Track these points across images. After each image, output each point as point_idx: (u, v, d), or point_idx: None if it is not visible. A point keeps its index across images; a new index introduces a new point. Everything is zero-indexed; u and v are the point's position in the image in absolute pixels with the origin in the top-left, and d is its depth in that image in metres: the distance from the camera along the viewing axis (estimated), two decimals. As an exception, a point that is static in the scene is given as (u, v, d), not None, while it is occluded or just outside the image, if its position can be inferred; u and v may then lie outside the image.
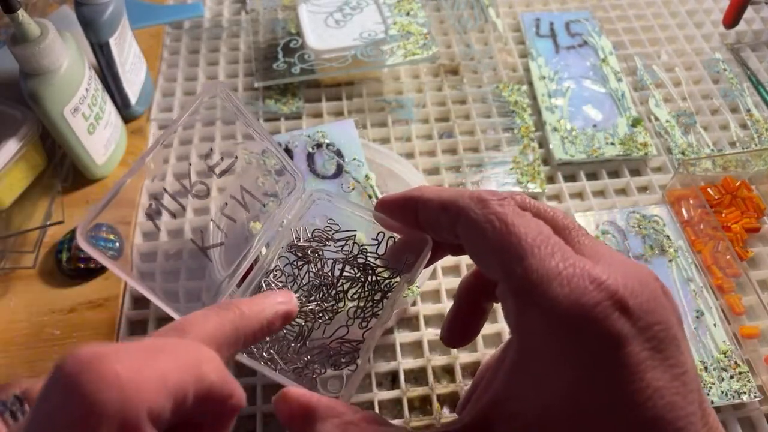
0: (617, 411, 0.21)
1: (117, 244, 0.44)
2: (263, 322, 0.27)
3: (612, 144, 0.52)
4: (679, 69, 0.59)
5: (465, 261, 0.46)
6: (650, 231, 0.47)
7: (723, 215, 0.47)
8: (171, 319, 0.44)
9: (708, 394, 0.39)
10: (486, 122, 0.54)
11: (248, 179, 0.38)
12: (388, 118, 0.54)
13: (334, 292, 0.34)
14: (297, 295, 0.34)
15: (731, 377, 0.40)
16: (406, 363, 0.41)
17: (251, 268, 0.35)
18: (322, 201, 0.36)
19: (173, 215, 0.36)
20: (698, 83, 0.58)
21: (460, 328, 0.33)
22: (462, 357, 0.41)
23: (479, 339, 0.42)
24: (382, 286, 0.34)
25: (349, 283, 0.34)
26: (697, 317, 0.42)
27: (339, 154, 0.47)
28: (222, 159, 0.36)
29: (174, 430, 0.22)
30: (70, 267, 0.44)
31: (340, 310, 0.34)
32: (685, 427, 0.21)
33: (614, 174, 0.52)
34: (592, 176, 0.52)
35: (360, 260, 0.35)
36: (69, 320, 0.43)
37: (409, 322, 0.43)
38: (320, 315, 0.33)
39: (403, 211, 0.31)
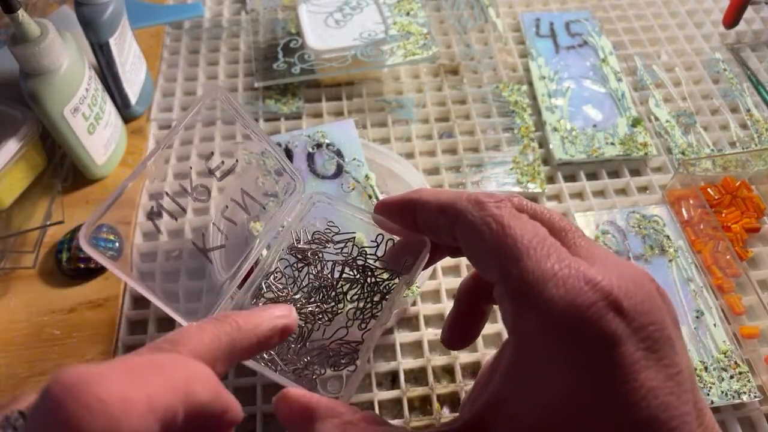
0: (612, 411, 0.21)
1: (117, 245, 0.44)
2: (260, 337, 0.27)
3: (612, 144, 0.52)
4: (679, 69, 0.59)
5: (465, 261, 0.46)
6: (650, 231, 0.47)
7: (723, 215, 0.47)
8: (171, 319, 0.44)
9: (708, 394, 0.39)
10: (486, 122, 0.54)
11: (248, 180, 0.38)
12: (388, 118, 0.54)
13: (333, 293, 0.34)
14: (297, 296, 0.34)
15: (731, 377, 0.40)
16: (406, 363, 0.41)
17: (252, 269, 0.35)
18: (321, 203, 0.37)
19: (174, 217, 0.36)
20: (698, 83, 0.58)
21: (460, 329, 0.33)
22: (462, 357, 0.41)
23: (479, 339, 0.42)
24: (381, 288, 0.34)
25: (348, 285, 0.34)
26: (697, 317, 0.42)
27: (339, 154, 0.47)
28: (223, 162, 0.36)
29: None
30: (70, 267, 0.44)
31: (339, 311, 0.34)
32: (679, 426, 0.21)
33: (614, 174, 0.52)
34: (592, 176, 0.52)
35: (359, 262, 0.35)
36: (69, 320, 0.43)
37: (409, 322, 0.43)
38: (320, 316, 0.34)
39: (402, 214, 0.31)
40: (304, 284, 0.35)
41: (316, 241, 0.36)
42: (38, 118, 0.44)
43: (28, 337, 0.42)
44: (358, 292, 0.34)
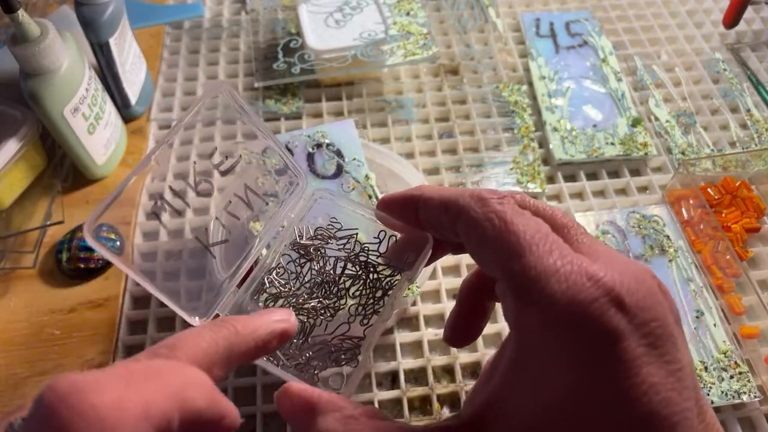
0: (613, 406, 0.21)
1: (118, 243, 0.44)
2: (258, 342, 0.27)
3: (612, 144, 0.52)
4: (679, 69, 0.59)
5: (465, 261, 0.46)
6: (650, 231, 0.47)
7: (723, 215, 0.47)
8: (171, 319, 0.44)
9: (708, 394, 0.39)
10: (486, 122, 0.54)
11: (248, 179, 0.38)
12: (388, 118, 0.54)
13: (336, 289, 0.34)
14: (299, 292, 0.34)
15: (731, 377, 0.40)
16: (406, 363, 0.41)
17: (252, 269, 0.35)
18: (324, 200, 0.37)
19: (177, 212, 0.36)
20: (698, 83, 0.58)
21: (462, 327, 0.33)
22: (462, 357, 0.41)
23: (479, 339, 0.42)
24: (384, 284, 0.34)
25: (350, 281, 0.35)
26: (697, 317, 0.42)
27: (339, 154, 0.47)
28: (226, 158, 0.36)
29: None
30: (70, 267, 0.44)
31: (341, 307, 0.34)
32: (680, 422, 0.21)
33: (614, 174, 0.52)
34: (592, 176, 0.52)
35: (362, 258, 0.35)
36: (69, 320, 0.43)
37: (409, 322, 0.43)
38: (322, 312, 0.34)
39: (404, 210, 0.31)
40: (306, 280, 0.35)
41: (319, 237, 0.36)
42: (38, 118, 0.44)
43: (28, 337, 0.42)
44: (360, 288, 0.34)
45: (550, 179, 0.51)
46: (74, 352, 0.42)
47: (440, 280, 0.45)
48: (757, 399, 0.39)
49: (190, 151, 0.52)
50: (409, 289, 0.41)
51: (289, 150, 0.48)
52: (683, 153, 0.52)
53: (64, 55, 0.42)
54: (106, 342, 0.42)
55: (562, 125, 0.53)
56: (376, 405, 0.40)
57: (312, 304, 0.34)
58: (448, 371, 0.41)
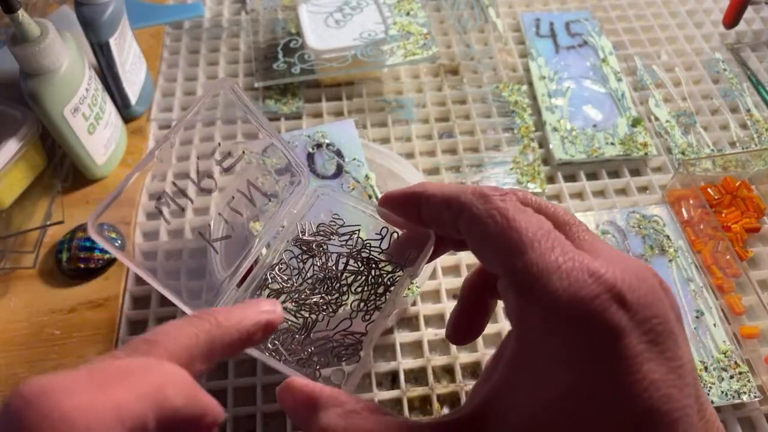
0: (614, 402, 0.21)
1: (119, 242, 0.44)
2: (242, 333, 0.26)
3: (612, 144, 0.52)
4: (679, 69, 0.59)
5: (465, 261, 0.46)
6: (650, 231, 0.47)
7: (723, 215, 0.47)
8: (171, 318, 0.44)
9: (708, 394, 0.39)
10: (486, 122, 0.54)
11: (249, 178, 0.38)
12: (388, 118, 0.54)
13: (338, 285, 0.35)
14: (302, 287, 0.34)
15: (731, 377, 0.40)
16: (406, 363, 0.41)
17: (252, 267, 0.35)
18: (326, 196, 0.37)
19: (180, 208, 0.36)
20: (698, 83, 0.58)
21: (464, 325, 0.33)
22: (462, 357, 0.41)
23: (479, 339, 0.42)
24: (386, 280, 0.34)
25: (352, 277, 0.35)
26: (697, 317, 0.42)
27: (339, 154, 0.47)
28: (229, 154, 0.36)
29: None
30: (70, 267, 0.44)
31: (343, 303, 0.34)
32: (680, 419, 0.21)
33: (614, 174, 0.52)
34: (592, 176, 0.52)
35: (364, 254, 0.35)
36: (69, 320, 0.43)
37: (409, 322, 0.43)
38: (324, 308, 0.34)
39: (407, 207, 0.31)
40: (308, 276, 0.35)
41: (321, 233, 0.36)
42: (38, 118, 0.44)
43: (28, 337, 0.42)
44: (363, 284, 0.35)
45: (550, 179, 0.51)
46: (74, 352, 0.42)
47: (440, 280, 0.45)
48: (757, 399, 0.39)
49: (190, 150, 0.52)
50: (409, 289, 0.41)
51: (289, 150, 0.48)
52: (683, 153, 0.52)
53: (64, 55, 0.42)
54: (106, 342, 0.42)
55: (562, 125, 0.53)
56: (376, 405, 0.40)
57: (314, 299, 0.34)
58: (448, 371, 0.41)
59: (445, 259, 0.46)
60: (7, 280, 0.45)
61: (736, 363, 0.40)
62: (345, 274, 0.35)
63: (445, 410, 0.40)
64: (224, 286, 0.35)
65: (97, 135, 0.47)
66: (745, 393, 0.39)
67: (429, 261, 0.33)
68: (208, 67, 0.59)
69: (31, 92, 0.42)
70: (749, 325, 0.42)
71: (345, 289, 0.34)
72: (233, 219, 0.37)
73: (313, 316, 0.34)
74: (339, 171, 0.47)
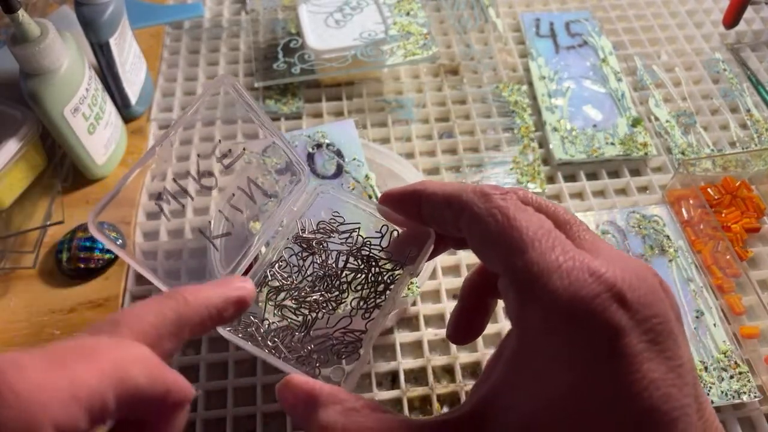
0: (614, 401, 0.21)
1: (119, 242, 0.44)
2: (211, 310, 0.26)
3: (612, 144, 0.52)
4: (679, 69, 0.59)
5: (465, 261, 0.46)
6: (650, 231, 0.47)
7: (723, 215, 0.47)
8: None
9: (708, 394, 0.39)
10: (486, 122, 0.54)
11: (249, 176, 0.38)
12: (388, 118, 0.54)
13: (338, 283, 0.35)
14: (302, 285, 0.34)
15: (731, 377, 0.40)
16: (406, 363, 0.41)
17: (251, 265, 0.35)
18: (326, 194, 0.37)
19: (181, 204, 0.36)
20: (698, 83, 0.58)
21: (464, 325, 0.34)
22: (462, 357, 0.41)
23: (479, 339, 0.42)
24: (385, 278, 0.34)
25: (352, 275, 0.35)
26: (697, 317, 0.42)
27: (339, 154, 0.47)
28: (230, 150, 0.36)
29: (118, 428, 0.22)
30: (70, 267, 0.44)
31: (343, 300, 0.34)
32: (679, 418, 0.21)
33: (614, 174, 0.52)
34: (592, 176, 0.52)
35: (364, 252, 0.35)
36: (69, 320, 0.43)
37: (409, 322, 0.43)
38: (324, 305, 0.34)
39: (407, 205, 0.31)
40: (308, 273, 0.35)
41: (321, 230, 0.36)
42: (38, 118, 0.44)
43: (28, 337, 0.42)
44: (362, 282, 0.34)
45: (550, 179, 0.51)
46: (74, 352, 0.42)
47: (440, 280, 0.45)
48: (757, 399, 0.39)
49: (190, 150, 0.52)
50: (409, 288, 0.41)
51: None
52: (683, 153, 0.52)
53: (64, 55, 0.42)
54: (106, 342, 0.42)
55: (562, 125, 0.53)
56: (376, 405, 0.40)
57: (314, 297, 0.34)
58: (448, 371, 0.41)
59: (445, 259, 0.46)
60: (7, 280, 0.45)
61: (736, 363, 0.40)
62: (345, 272, 0.35)
63: (445, 410, 0.40)
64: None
65: (97, 135, 0.47)
66: (745, 393, 0.39)
67: (429, 259, 0.33)
68: (208, 67, 0.59)
69: (31, 92, 0.42)
70: (749, 325, 0.42)
71: (345, 287, 0.34)
72: (233, 217, 0.37)
73: (313, 314, 0.34)
74: (339, 171, 0.47)
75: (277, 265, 0.35)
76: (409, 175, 0.48)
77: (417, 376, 0.41)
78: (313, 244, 0.36)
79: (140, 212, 0.48)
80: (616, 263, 0.22)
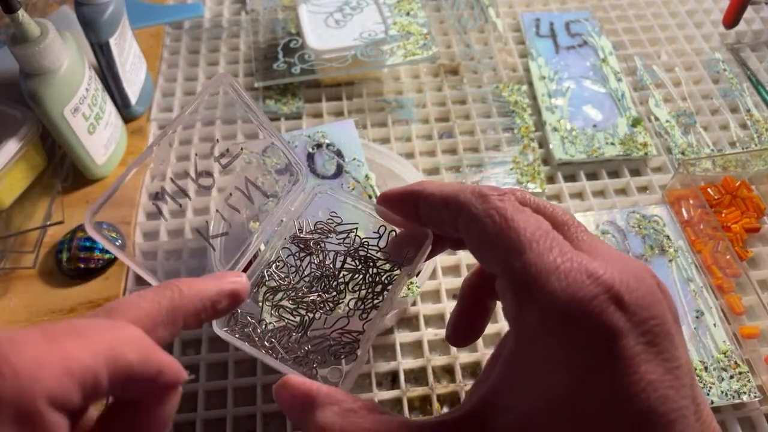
0: (611, 403, 0.21)
1: (119, 242, 0.44)
2: (205, 302, 0.27)
3: (612, 144, 0.52)
4: (679, 69, 0.59)
5: (465, 261, 0.46)
6: (650, 231, 0.47)
7: (723, 215, 0.47)
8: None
9: (708, 394, 0.39)
10: (486, 122, 0.54)
11: (249, 177, 0.38)
12: (388, 118, 0.54)
13: (335, 283, 0.34)
14: (299, 285, 0.34)
15: (731, 377, 0.40)
16: (406, 363, 0.41)
17: (250, 263, 0.35)
18: (324, 194, 0.37)
19: (179, 204, 0.36)
20: (698, 83, 0.58)
21: (464, 326, 0.33)
22: (462, 357, 0.41)
23: (479, 339, 0.42)
24: (383, 279, 0.34)
25: (350, 275, 0.35)
26: (697, 317, 0.42)
27: (339, 154, 0.47)
28: (228, 150, 0.36)
29: (113, 408, 0.23)
30: (70, 267, 0.44)
31: (341, 301, 0.34)
32: (677, 419, 0.21)
33: (614, 174, 0.52)
34: (592, 176, 0.52)
35: (361, 253, 0.35)
36: (69, 320, 0.43)
37: (409, 322, 0.43)
38: (321, 306, 0.34)
39: (405, 205, 0.31)
40: (306, 273, 0.35)
41: (319, 231, 0.36)
42: (38, 118, 0.44)
43: (28, 337, 0.42)
44: (360, 282, 0.34)
45: (550, 179, 0.51)
46: (74, 352, 0.42)
47: (440, 280, 0.45)
48: (757, 399, 0.39)
49: (189, 150, 0.52)
50: (409, 289, 0.41)
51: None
52: (683, 153, 0.52)
53: (64, 55, 0.42)
54: (106, 342, 0.42)
55: (562, 125, 0.53)
56: (376, 405, 0.40)
57: (311, 297, 0.34)
58: (448, 371, 0.41)
59: (445, 259, 0.46)
60: (7, 280, 0.45)
61: (736, 363, 0.40)
62: (342, 273, 0.35)
63: (445, 410, 0.40)
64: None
65: (97, 135, 0.47)
66: (745, 393, 0.39)
67: (427, 259, 0.33)
68: (208, 68, 0.59)
69: (31, 92, 0.42)
70: (749, 325, 0.42)
71: (342, 287, 0.34)
72: (232, 217, 0.37)
73: (310, 315, 0.34)
74: (339, 171, 0.47)
75: (274, 265, 0.35)
76: (409, 175, 0.48)
77: (417, 376, 0.41)
78: (311, 244, 0.36)
79: (140, 212, 0.48)
80: (614, 264, 0.22)
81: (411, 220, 0.31)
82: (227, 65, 0.59)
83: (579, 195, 0.51)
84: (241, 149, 0.36)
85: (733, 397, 0.39)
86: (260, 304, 0.34)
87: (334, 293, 0.34)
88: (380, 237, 0.35)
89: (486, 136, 0.54)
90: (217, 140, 0.37)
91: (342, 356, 0.32)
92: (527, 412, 0.22)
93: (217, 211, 0.37)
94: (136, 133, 0.54)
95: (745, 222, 0.47)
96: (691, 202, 0.48)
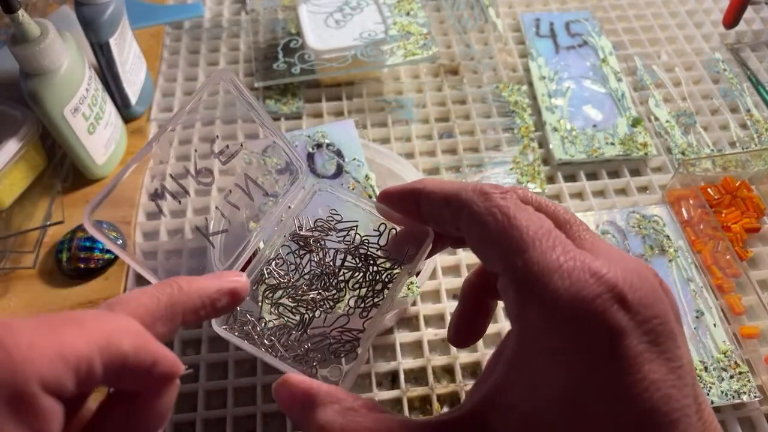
0: (614, 402, 0.21)
1: (120, 241, 0.44)
2: (204, 299, 0.27)
3: (612, 144, 0.52)
4: (679, 69, 0.59)
5: (465, 261, 0.46)
6: (650, 231, 0.47)
7: (723, 215, 0.47)
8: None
9: (708, 394, 0.39)
10: (486, 122, 0.54)
11: (248, 173, 0.38)
12: (388, 118, 0.54)
13: (335, 281, 0.34)
14: (299, 283, 0.34)
15: (731, 377, 0.40)
16: (406, 363, 0.41)
17: (249, 261, 0.35)
18: (324, 192, 0.37)
19: (178, 201, 0.36)
20: (698, 83, 0.58)
21: (466, 327, 0.33)
22: (462, 357, 0.41)
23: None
24: (383, 277, 0.34)
25: (350, 273, 0.35)
26: (697, 317, 0.42)
27: (339, 154, 0.47)
28: (227, 146, 0.36)
29: (112, 398, 0.23)
30: (70, 267, 0.44)
31: (341, 299, 0.34)
32: (679, 419, 0.21)
33: (614, 174, 0.52)
34: (592, 176, 0.52)
35: (361, 251, 0.35)
36: (69, 320, 0.43)
37: (409, 322, 0.43)
38: (321, 304, 0.34)
39: (405, 203, 0.31)
40: (305, 271, 0.35)
41: (319, 228, 0.36)
42: (38, 118, 0.44)
43: (28, 337, 0.42)
44: (360, 280, 0.34)
45: (550, 179, 0.51)
46: (74, 352, 0.42)
47: (440, 280, 0.45)
48: (757, 399, 0.39)
49: (189, 150, 0.52)
50: (409, 288, 0.41)
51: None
52: (683, 153, 0.52)
53: (64, 55, 0.42)
54: (106, 342, 0.42)
55: (562, 125, 0.53)
56: (376, 405, 0.40)
57: (311, 295, 0.34)
58: (448, 371, 0.41)
59: (446, 259, 0.46)
60: (7, 280, 0.45)
61: (736, 363, 0.40)
62: (342, 271, 0.35)
63: (445, 410, 0.40)
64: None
65: (97, 135, 0.47)
66: (745, 393, 0.39)
67: (427, 258, 0.33)
68: (208, 68, 0.59)
69: (31, 92, 0.42)
70: (749, 325, 0.42)
71: (342, 285, 0.34)
72: (232, 215, 0.36)
73: (310, 313, 0.33)
74: (339, 171, 0.47)
75: (273, 262, 0.35)
76: (409, 175, 0.48)
77: (417, 376, 0.41)
78: (311, 242, 0.36)
79: (140, 212, 0.48)
80: (616, 263, 0.22)
81: (411, 218, 0.31)
82: (227, 65, 0.59)
83: (579, 195, 0.51)
84: (241, 145, 0.36)
85: (733, 397, 0.39)
86: (260, 302, 0.34)
87: (334, 291, 0.34)
88: (380, 235, 0.35)
89: (486, 136, 0.54)
90: (217, 136, 0.36)
91: (342, 355, 0.32)
92: (529, 411, 0.22)
93: (216, 208, 0.37)
94: (136, 133, 0.54)
95: (745, 222, 0.47)
96: (691, 202, 0.48)
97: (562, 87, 0.56)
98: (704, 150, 0.53)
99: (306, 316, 0.33)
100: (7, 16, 0.39)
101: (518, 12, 0.63)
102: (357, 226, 0.36)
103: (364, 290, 0.34)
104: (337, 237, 0.36)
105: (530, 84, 0.57)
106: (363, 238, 0.35)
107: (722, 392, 0.39)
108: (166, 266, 0.45)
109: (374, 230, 0.35)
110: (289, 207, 0.37)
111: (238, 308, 0.32)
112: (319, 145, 0.48)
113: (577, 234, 0.25)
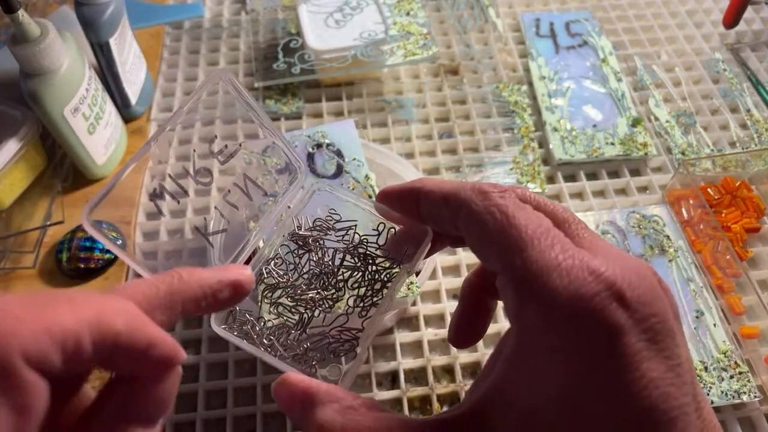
0: (613, 400, 0.21)
1: (120, 241, 0.44)
2: (205, 289, 0.26)
3: (612, 144, 0.52)
4: (679, 69, 0.59)
5: (465, 261, 0.46)
6: (650, 231, 0.47)
7: (723, 215, 0.47)
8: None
9: (708, 394, 0.39)
10: (486, 122, 0.54)
11: (247, 173, 0.38)
12: (388, 118, 0.54)
13: (334, 280, 0.34)
14: (298, 282, 0.34)
15: (731, 377, 0.40)
16: (406, 363, 0.41)
17: (249, 260, 0.35)
18: (323, 191, 0.37)
19: (177, 201, 0.36)
20: (698, 83, 0.58)
21: (466, 327, 0.33)
22: (462, 357, 0.41)
23: (479, 339, 0.42)
24: (382, 276, 0.34)
25: (349, 273, 0.35)
26: (697, 317, 0.42)
27: (339, 154, 0.47)
28: (226, 146, 0.36)
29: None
30: (70, 267, 0.44)
31: (340, 298, 0.34)
32: (678, 417, 0.21)
33: (614, 174, 0.52)
34: (592, 176, 0.52)
35: (360, 250, 0.35)
36: (69, 320, 0.43)
37: (409, 322, 0.43)
38: (320, 303, 0.34)
39: (405, 202, 0.31)
40: (304, 271, 0.35)
41: (318, 228, 0.36)
42: (38, 118, 0.44)
43: (28, 337, 0.42)
44: (359, 279, 0.34)
45: (550, 179, 0.51)
46: (74, 352, 0.42)
47: (440, 280, 0.45)
48: (757, 399, 0.39)
49: (189, 150, 0.52)
50: (408, 288, 0.41)
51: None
52: (683, 153, 0.52)
53: (64, 55, 0.42)
54: (106, 342, 0.42)
55: (562, 125, 0.53)
56: (376, 405, 0.40)
57: (310, 295, 0.34)
58: (448, 371, 0.41)
59: (445, 259, 0.46)
60: (7, 280, 0.45)
61: (736, 363, 0.40)
62: (341, 270, 0.35)
63: (445, 410, 0.40)
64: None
65: (97, 135, 0.47)
66: (745, 393, 0.39)
67: (426, 257, 0.33)
68: (208, 68, 0.59)
69: (31, 92, 0.42)
70: (749, 325, 0.42)
71: (341, 285, 0.34)
72: (231, 215, 0.36)
73: (309, 312, 0.33)
74: (339, 171, 0.47)
75: (272, 262, 0.35)
76: (409, 175, 0.48)
77: (417, 376, 0.41)
78: (310, 241, 0.36)
79: (140, 212, 0.48)
80: (615, 262, 0.22)
81: (410, 218, 0.31)
82: (227, 65, 0.59)
83: (579, 195, 0.51)
84: (240, 145, 0.36)
85: (733, 397, 0.39)
86: (259, 301, 0.34)
87: (333, 291, 0.34)
88: (379, 234, 0.35)
89: (486, 136, 0.54)
90: (216, 136, 0.36)
91: (341, 354, 0.32)
92: (528, 409, 0.22)
93: (215, 208, 0.37)
94: (136, 133, 0.54)
95: (745, 222, 0.47)
96: (691, 202, 0.48)
97: (562, 87, 0.56)
98: (704, 150, 0.53)
99: (305, 315, 0.33)
100: (7, 16, 0.39)
101: (518, 12, 0.63)
102: (356, 226, 0.36)
103: (363, 290, 0.34)
104: (336, 236, 0.36)
105: (530, 84, 0.57)
106: (362, 238, 0.35)
107: (722, 392, 0.39)
108: (165, 266, 0.44)
109: (373, 230, 0.35)
110: (288, 207, 0.37)
111: (237, 308, 0.33)
112: (319, 145, 0.48)
113: (576, 233, 0.25)
